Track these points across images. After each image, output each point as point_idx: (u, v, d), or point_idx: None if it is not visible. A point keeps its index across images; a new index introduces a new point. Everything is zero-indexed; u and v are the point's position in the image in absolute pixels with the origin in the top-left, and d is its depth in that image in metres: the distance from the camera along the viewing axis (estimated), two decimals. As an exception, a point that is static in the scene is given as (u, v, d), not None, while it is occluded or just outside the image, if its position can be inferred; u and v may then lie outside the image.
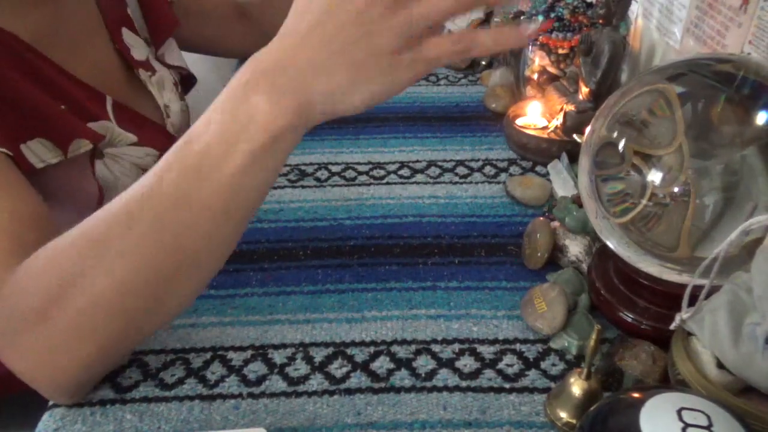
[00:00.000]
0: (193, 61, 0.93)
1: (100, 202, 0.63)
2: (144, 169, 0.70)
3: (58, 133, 0.58)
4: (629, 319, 0.51)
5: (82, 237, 0.44)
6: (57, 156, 0.58)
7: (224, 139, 0.40)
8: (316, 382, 0.50)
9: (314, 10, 0.40)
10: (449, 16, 0.40)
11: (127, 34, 0.76)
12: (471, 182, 0.73)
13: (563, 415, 0.45)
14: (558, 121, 0.74)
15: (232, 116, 0.40)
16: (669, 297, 0.48)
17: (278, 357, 0.52)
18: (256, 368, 0.51)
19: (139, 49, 0.77)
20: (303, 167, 0.77)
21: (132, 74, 0.76)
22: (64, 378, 0.46)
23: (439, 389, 0.49)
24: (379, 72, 0.40)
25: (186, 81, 0.89)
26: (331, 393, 0.49)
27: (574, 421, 0.45)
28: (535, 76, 0.82)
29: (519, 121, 0.78)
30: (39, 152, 0.56)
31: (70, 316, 0.43)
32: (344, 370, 0.51)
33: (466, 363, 0.51)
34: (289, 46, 0.41)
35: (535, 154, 0.75)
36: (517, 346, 0.53)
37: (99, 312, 0.43)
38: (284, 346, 0.53)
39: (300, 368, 0.51)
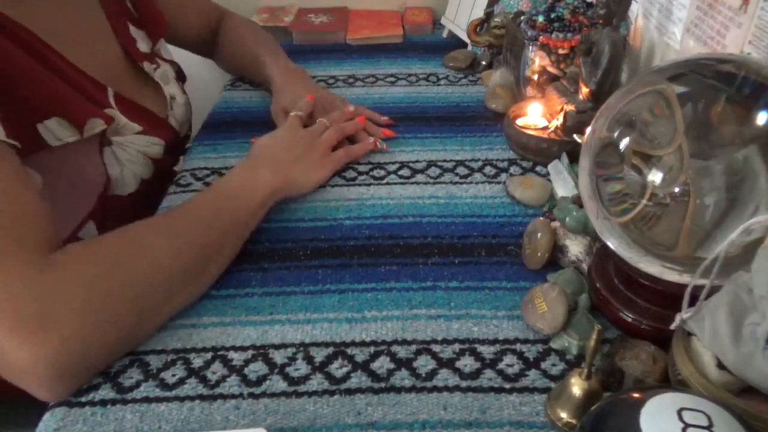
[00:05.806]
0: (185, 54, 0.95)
1: (106, 187, 0.67)
2: (151, 158, 0.73)
3: (75, 113, 0.61)
4: (629, 319, 0.51)
5: (122, 237, 0.54)
6: (74, 135, 0.61)
7: (245, 191, 0.63)
8: (317, 382, 0.50)
9: (284, 139, 0.73)
10: (338, 140, 0.76)
11: (132, 28, 0.78)
12: (471, 182, 0.73)
13: (563, 415, 0.45)
14: (558, 121, 0.74)
15: (249, 179, 0.65)
16: (669, 297, 0.48)
17: (279, 357, 0.52)
18: (257, 368, 0.51)
19: (142, 43, 0.79)
20: (303, 167, 0.77)
21: (136, 67, 0.77)
22: (80, 364, 0.48)
23: (440, 389, 0.49)
24: (317, 168, 0.72)
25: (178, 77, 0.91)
26: (332, 393, 0.49)
27: (574, 422, 0.45)
28: (536, 77, 0.82)
29: (519, 121, 0.78)
30: (56, 131, 0.59)
31: (106, 303, 0.49)
32: (344, 370, 0.51)
33: (467, 363, 0.51)
34: (275, 151, 0.70)
35: (536, 154, 0.75)
36: (518, 346, 0.53)
37: (134, 297, 0.51)
38: (285, 346, 0.53)
39: (300, 368, 0.51)
